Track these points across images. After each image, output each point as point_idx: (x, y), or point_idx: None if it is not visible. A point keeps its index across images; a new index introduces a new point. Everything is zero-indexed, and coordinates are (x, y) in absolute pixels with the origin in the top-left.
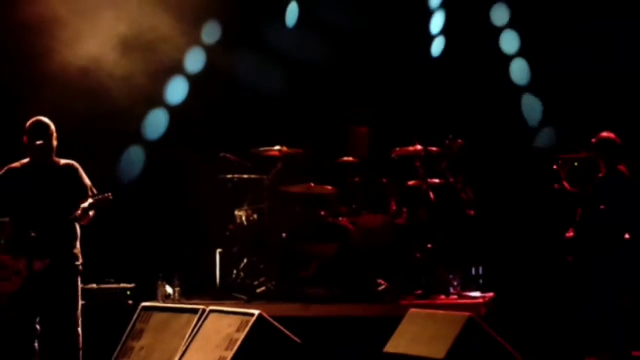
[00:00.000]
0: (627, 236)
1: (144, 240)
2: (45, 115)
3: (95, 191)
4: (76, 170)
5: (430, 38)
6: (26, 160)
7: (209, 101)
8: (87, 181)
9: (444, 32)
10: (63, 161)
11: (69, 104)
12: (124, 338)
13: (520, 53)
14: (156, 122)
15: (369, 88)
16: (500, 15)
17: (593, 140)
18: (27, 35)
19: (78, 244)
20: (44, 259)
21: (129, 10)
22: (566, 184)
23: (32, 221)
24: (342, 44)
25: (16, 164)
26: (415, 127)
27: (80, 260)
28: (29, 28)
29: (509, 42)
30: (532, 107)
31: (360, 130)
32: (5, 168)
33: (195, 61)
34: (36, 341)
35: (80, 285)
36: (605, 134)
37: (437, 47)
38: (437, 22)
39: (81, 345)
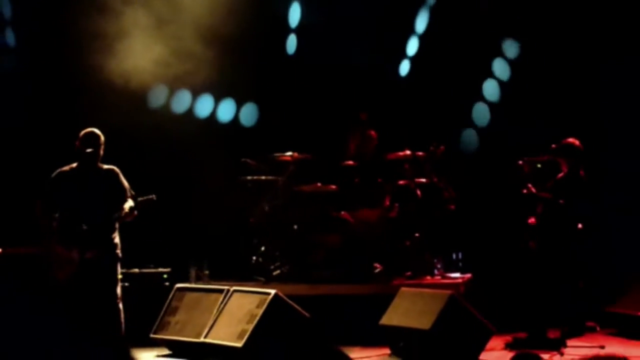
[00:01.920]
0: (580, 226)
1: (179, 233)
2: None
3: (133, 192)
4: (117, 174)
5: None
6: (74, 165)
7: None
8: (126, 184)
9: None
10: (105, 166)
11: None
12: (161, 314)
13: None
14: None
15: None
16: None
17: (553, 145)
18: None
19: (117, 236)
20: (93, 249)
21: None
22: (530, 185)
23: (79, 217)
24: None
25: (66, 168)
26: (404, 135)
27: (119, 250)
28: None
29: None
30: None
31: (370, 133)
32: (57, 171)
33: None
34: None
35: (119, 270)
36: (569, 140)
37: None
38: (412, 46)
39: (123, 319)
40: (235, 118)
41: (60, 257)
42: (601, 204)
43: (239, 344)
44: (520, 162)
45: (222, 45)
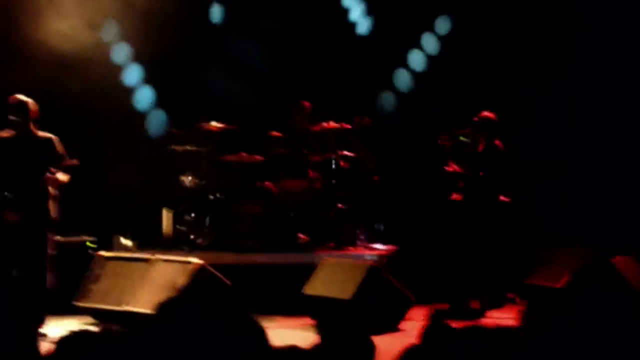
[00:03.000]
0: (502, 198)
1: (106, 201)
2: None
3: (69, 161)
4: (52, 141)
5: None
6: (10, 132)
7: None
8: (62, 150)
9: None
10: (42, 133)
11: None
12: (84, 282)
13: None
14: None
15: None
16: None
17: (475, 118)
18: None
19: (50, 202)
20: (18, 213)
21: None
22: (452, 162)
23: (6, 183)
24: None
25: (3, 134)
26: (331, 107)
27: (53, 215)
28: None
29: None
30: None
31: (303, 104)
32: None
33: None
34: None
35: (51, 235)
36: (486, 113)
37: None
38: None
39: (48, 287)
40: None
41: None
42: (521, 175)
43: None
44: (440, 140)
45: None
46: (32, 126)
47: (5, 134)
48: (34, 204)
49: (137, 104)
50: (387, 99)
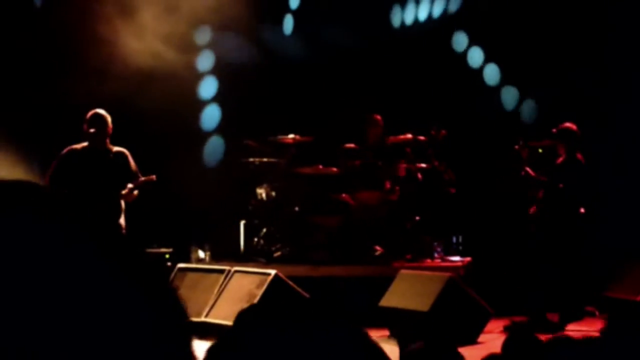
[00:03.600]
0: (582, 210)
1: (181, 214)
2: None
3: (141, 175)
4: (126, 156)
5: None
6: (85, 144)
7: (234, 96)
8: (134, 166)
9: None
10: (116, 148)
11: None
12: None
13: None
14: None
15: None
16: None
17: (554, 130)
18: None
19: (123, 217)
20: None
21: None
22: (527, 168)
23: (84, 196)
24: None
25: (77, 146)
26: (406, 119)
27: (124, 230)
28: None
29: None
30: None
31: (375, 117)
32: (67, 148)
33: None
34: None
35: None
36: (567, 124)
37: None
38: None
39: None
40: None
41: None
42: (599, 188)
43: None
44: (517, 146)
45: None
46: (107, 140)
47: (79, 146)
48: (109, 219)
49: (203, 123)
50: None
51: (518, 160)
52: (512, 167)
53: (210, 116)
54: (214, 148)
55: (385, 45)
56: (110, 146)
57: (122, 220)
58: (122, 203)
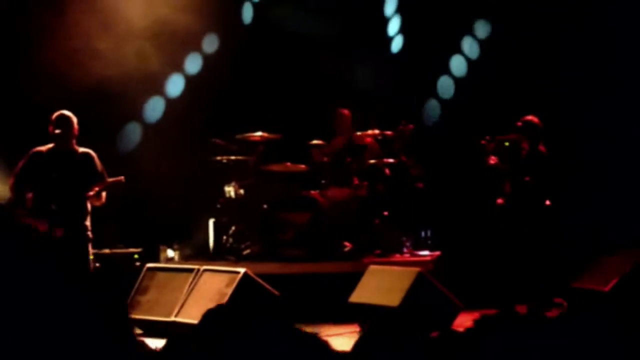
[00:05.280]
0: (548, 202)
1: (150, 213)
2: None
3: (107, 175)
4: (92, 157)
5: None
6: (51, 145)
7: (203, 95)
8: (100, 167)
9: (401, 32)
10: (81, 149)
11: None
12: (131, 294)
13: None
14: (155, 108)
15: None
16: None
17: (518, 123)
18: None
19: (88, 219)
20: (61, 228)
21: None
22: (495, 159)
23: (51, 197)
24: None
25: (42, 148)
26: (373, 114)
27: (90, 231)
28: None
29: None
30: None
31: (343, 112)
32: (32, 150)
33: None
34: None
35: (91, 251)
36: (529, 117)
37: (396, 45)
38: (394, 25)
39: None
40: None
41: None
42: (565, 179)
43: None
44: (483, 141)
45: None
46: (73, 142)
47: (44, 148)
48: (75, 220)
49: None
50: (432, 107)
51: (484, 154)
52: (479, 161)
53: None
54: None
55: (352, 37)
56: (76, 147)
57: (87, 222)
58: (88, 204)
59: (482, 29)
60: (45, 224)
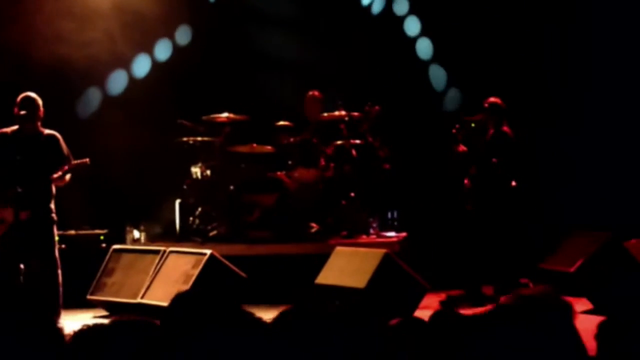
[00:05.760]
0: (513, 183)
1: (116, 194)
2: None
3: (72, 158)
4: (57, 139)
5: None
6: (15, 128)
7: (169, 76)
8: (66, 149)
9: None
10: (47, 131)
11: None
12: (97, 275)
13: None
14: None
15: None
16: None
17: (485, 104)
18: None
19: (53, 201)
20: (27, 211)
21: None
22: (462, 146)
23: (16, 179)
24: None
25: (6, 130)
26: (340, 95)
27: (54, 213)
28: None
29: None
30: (437, 76)
31: (314, 94)
32: None
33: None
34: (21, 278)
35: (56, 233)
36: (492, 99)
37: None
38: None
39: (61, 281)
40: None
41: None
42: (533, 160)
43: None
44: (454, 130)
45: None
46: (38, 124)
47: (9, 130)
48: (40, 202)
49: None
50: (452, 95)
51: (454, 142)
52: (449, 147)
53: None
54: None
55: (319, 16)
56: (42, 129)
57: (52, 205)
58: (53, 187)
59: None
60: (11, 210)
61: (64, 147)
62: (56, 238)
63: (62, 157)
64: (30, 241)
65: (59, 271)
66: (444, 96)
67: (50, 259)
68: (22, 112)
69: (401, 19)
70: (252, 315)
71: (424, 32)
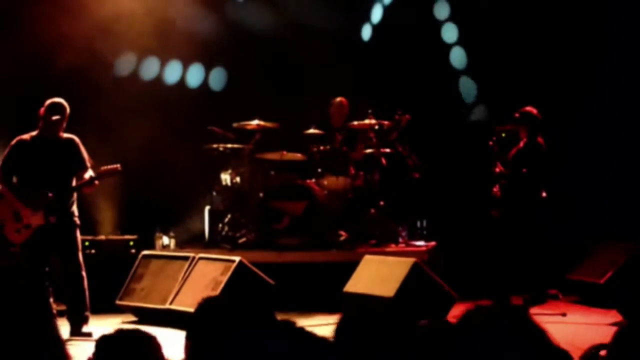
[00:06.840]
0: (544, 194)
1: (146, 201)
2: None
3: (92, 162)
4: (77, 144)
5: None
6: (34, 133)
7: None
8: (85, 154)
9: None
10: (65, 135)
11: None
12: (127, 281)
13: (459, 42)
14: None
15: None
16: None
17: (516, 114)
18: None
19: (75, 205)
20: (55, 215)
21: None
22: (500, 166)
23: (42, 184)
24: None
25: (25, 136)
26: (370, 104)
27: (77, 217)
28: None
29: (449, 33)
30: (468, 87)
31: (341, 101)
32: (16, 139)
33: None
34: (47, 281)
35: (79, 237)
36: (528, 108)
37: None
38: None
39: (86, 286)
40: (204, 85)
41: (22, 220)
42: (562, 171)
43: None
44: (491, 142)
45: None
46: (62, 129)
47: (28, 136)
48: (64, 206)
49: None
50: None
51: (490, 155)
52: (483, 160)
53: None
54: None
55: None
56: (60, 134)
57: (74, 208)
58: (74, 192)
59: None
60: (40, 215)
61: (83, 151)
62: (79, 242)
63: (83, 161)
64: (54, 245)
65: (84, 274)
66: (472, 108)
67: (74, 263)
68: (55, 117)
69: (439, 24)
70: (293, 324)
71: (460, 41)
